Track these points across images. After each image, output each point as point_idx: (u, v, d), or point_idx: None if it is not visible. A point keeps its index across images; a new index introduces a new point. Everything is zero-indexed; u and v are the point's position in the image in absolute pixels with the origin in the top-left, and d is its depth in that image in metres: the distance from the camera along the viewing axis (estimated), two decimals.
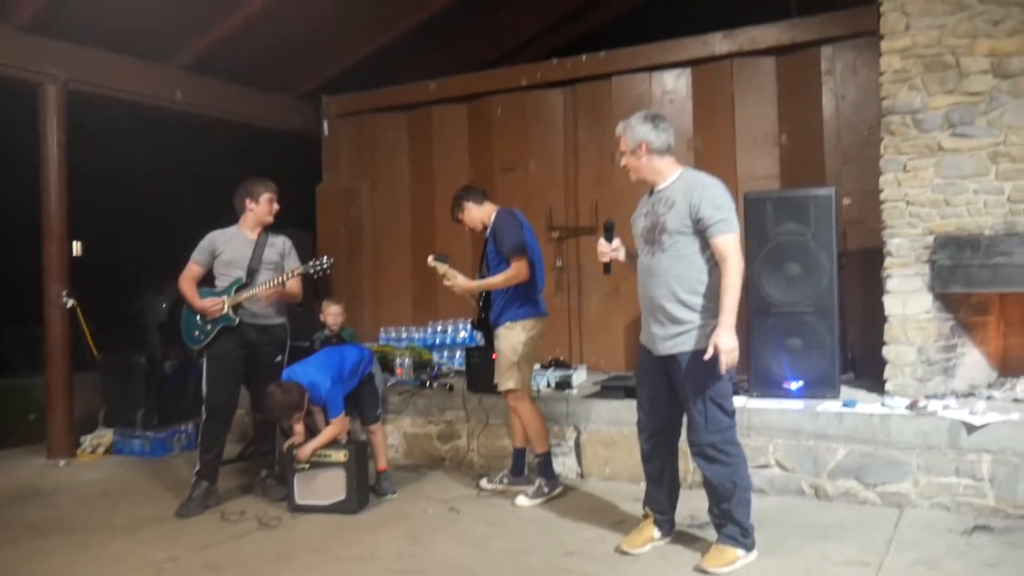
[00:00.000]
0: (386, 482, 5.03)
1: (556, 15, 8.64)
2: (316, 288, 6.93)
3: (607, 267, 3.89)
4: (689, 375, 3.59)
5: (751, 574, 3.60)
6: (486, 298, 4.91)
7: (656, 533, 3.92)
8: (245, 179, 5.06)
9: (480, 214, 4.93)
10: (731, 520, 3.64)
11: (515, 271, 4.69)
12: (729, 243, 3.52)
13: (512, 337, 4.74)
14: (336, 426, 4.72)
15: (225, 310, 4.80)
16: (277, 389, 4.56)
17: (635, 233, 3.80)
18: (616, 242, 3.84)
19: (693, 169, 3.82)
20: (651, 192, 3.80)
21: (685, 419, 3.79)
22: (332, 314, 6.08)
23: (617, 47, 6.83)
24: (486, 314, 4.92)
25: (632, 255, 3.86)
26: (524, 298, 4.79)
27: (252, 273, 4.88)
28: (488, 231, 4.90)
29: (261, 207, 4.96)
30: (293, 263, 5.04)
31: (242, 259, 4.90)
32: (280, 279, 4.81)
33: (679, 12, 7.90)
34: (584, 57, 6.95)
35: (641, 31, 7.15)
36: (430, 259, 4.87)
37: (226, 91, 7.49)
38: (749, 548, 3.66)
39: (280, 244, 5.04)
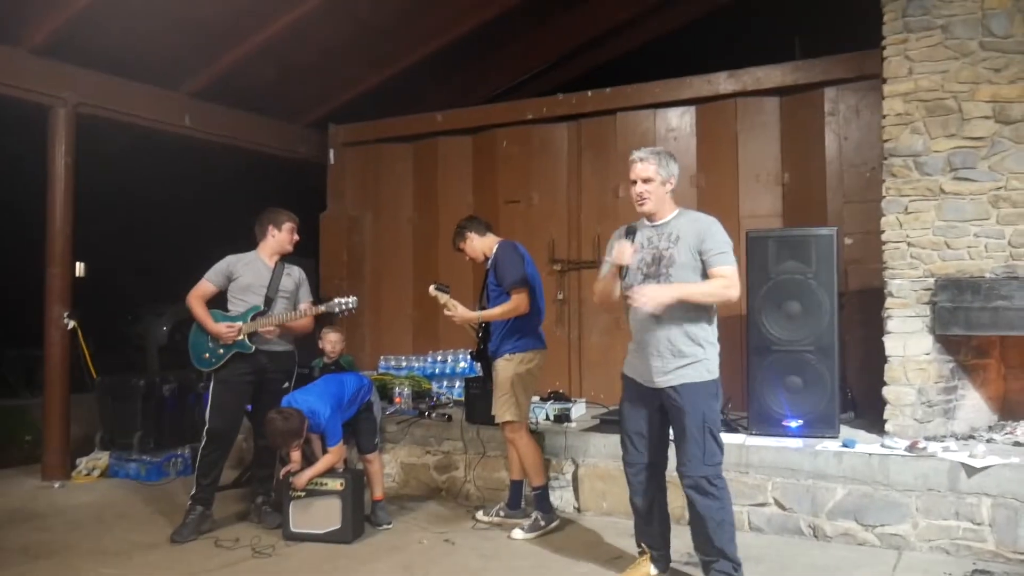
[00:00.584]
0: (381, 512, 5.00)
1: (563, 51, 8.75)
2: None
3: (624, 270, 3.74)
4: (690, 408, 3.60)
5: None
6: (485, 329, 4.92)
7: (652, 570, 3.89)
8: (269, 207, 5.11)
9: (482, 245, 4.96)
10: (723, 556, 3.64)
11: (515, 303, 4.70)
12: (732, 274, 3.60)
13: (511, 369, 4.74)
14: (334, 455, 4.70)
15: (241, 336, 4.80)
16: (278, 416, 4.55)
17: (627, 265, 3.71)
18: (637, 250, 3.76)
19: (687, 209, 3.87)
20: (646, 224, 3.78)
21: (673, 452, 3.78)
22: (331, 341, 6.05)
23: (623, 84, 6.90)
24: (485, 345, 4.93)
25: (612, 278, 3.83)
26: (524, 330, 4.79)
27: (269, 301, 4.90)
28: (489, 262, 4.92)
29: (283, 235, 5.00)
30: (306, 294, 5.07)
31: (260, 286, 4.92)
32: (297, 314, 4.83)
33: (685, 51, 8.00)
34: (590, 93, 7.02)
35: (647, 69, 7.23)
36: (431, 288, 4.88)
37: (234, 118, 7.56)
38: None
39: (296, 274, 5.08)
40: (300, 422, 4.54)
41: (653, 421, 3.77)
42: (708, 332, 3.68)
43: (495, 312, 4.76)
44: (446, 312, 4.81)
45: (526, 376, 4.76)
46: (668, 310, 3.60)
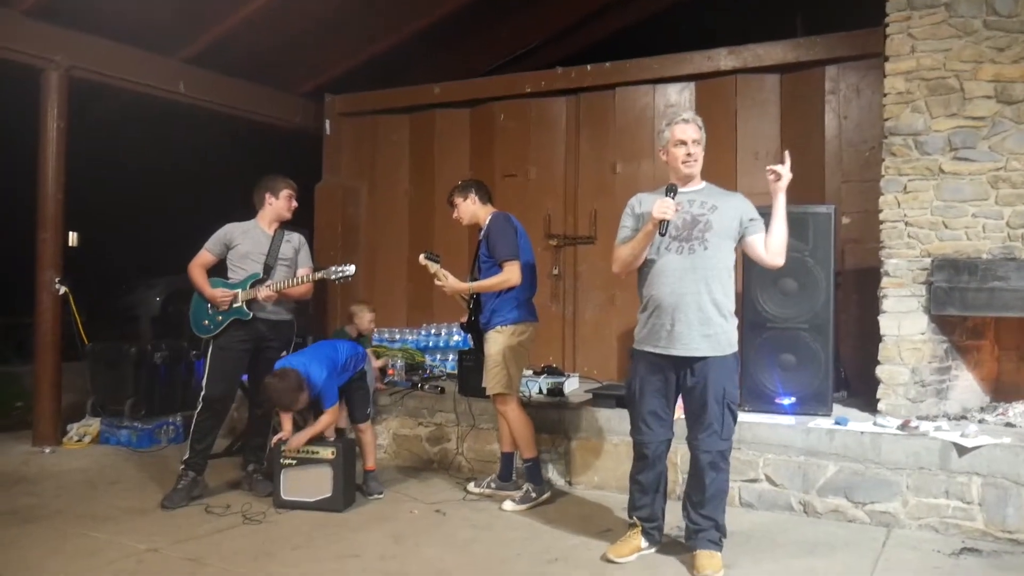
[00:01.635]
0: (373, 482, 5.01)
1: (563, 24, 8.67)
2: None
3: (664, 225, 3.59)
4: (713, 381, 3.61)
5: None
6: (476, 300, 4.90)
7: (644, 543, 3.90)
8: (266, 175, 5.08)
9: (476, 212, 4.92)
10: (715, 525, 3.72)
11: (507, 275, 4.68)
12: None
13: (501, 341, 4.72)
14: (330, 415, 4.69)
15: (239, 303, 4.78)
16: (273, 378, 4.54)
17: (663, 233, 3.62)
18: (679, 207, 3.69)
19: None
20: (669, 188, 3.71)
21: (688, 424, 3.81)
22: (368, 320, 6.10)
23: (622, 59, 6.84)
24: (476, 316, 4.90)
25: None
26: (515, 302, 4.77)
27: (268, 269, 4.88)
28: (482, 233, 4.89)
29: (280, 203, 4.97)
30: (305, 259, 5.05)
31: (258, 254, 4.90)
32: (296, 280, 4.81)
33: (685, 27, 7.93)
34: (589, 67, 6.95)
35: (647, 44, 7.17)
36: (422, 257, 4.85)
37: (229, 85, 7.47)
38: (722, 549, 3.75)
39: (296, 240, 5.06)
40: (298, 379, 4.53)
41: (669, 396, 3.76)
42: (732, 303, 3.70)
43: (486, 283, 4.74)
44: (436, 282, 4.79)
45: (517, 348, 4.75)
46: (697, 277, 3.62)
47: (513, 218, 4.94)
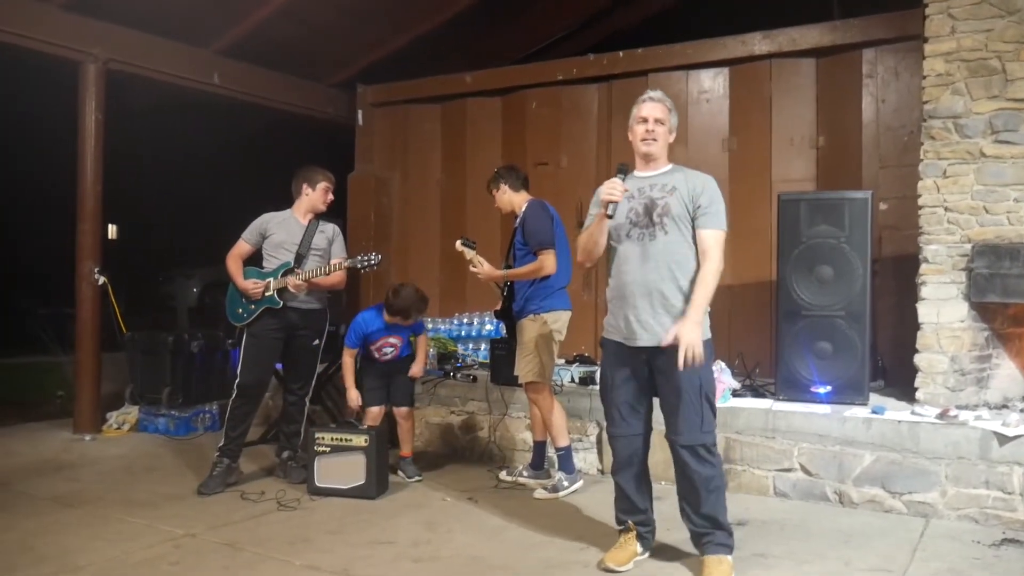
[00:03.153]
0: (409, 467, 5.07)
1: (594, 10, 8.60)
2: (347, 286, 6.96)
3: (615, 208, 3.44)
4: (686, 371, 3.34)
5: None
6: (510, 288, 4.89)
7: (639, 548, 3.71)
8: (305, 165, 5.12)
9: (513, 199, 4.93)
10: (719, 526, 3.49)
11: (541, 264, 4.67)
12: (717, 237, 3.44)
13: (534, 329, 4.71)
14: (425, 339, 5.38)
15: (270, 292, 4.84)
16: (403, 288, 5.02)
17: (609, 214, 3.45)
18: (627, 188, 3.52)
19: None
20: (637, 175, 3.62)
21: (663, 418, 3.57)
22: None
23: (654, 44, 6.77)
24: (509, 304, 4.90)
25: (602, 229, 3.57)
26: (548, 291, 4.75)
27: (300, 259, 4.93)
28: (518, 220, 4.88)
29: (316, 194, 5.01)
30: (339, 250, 5.09)
31: (292, 243, 4.95)
32: (326, 269, 4.85)
33: (719, 11, 7.83)
34: (621, 53, 6.89)
35: (680, 29, 7.09)
36: (458, 243, 4.84)
37: (263, 77, 7.54)
38: (732, 550, 3.54)
39: (330, 231, 5.10)
40: (421, 293, 5.09)
41: (642, 387, 3.58)
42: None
43: (521, 271, 4.73)
44: (471, 268, 4.79)
45: (550, 337, 4.74)
46: (658, 263, 3.44)
47: (549, 206, 4.92)
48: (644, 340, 3.46)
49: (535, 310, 4.74)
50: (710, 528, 3.50)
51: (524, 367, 4.73)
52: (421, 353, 5.24)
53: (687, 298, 3.43)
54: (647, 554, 3.75)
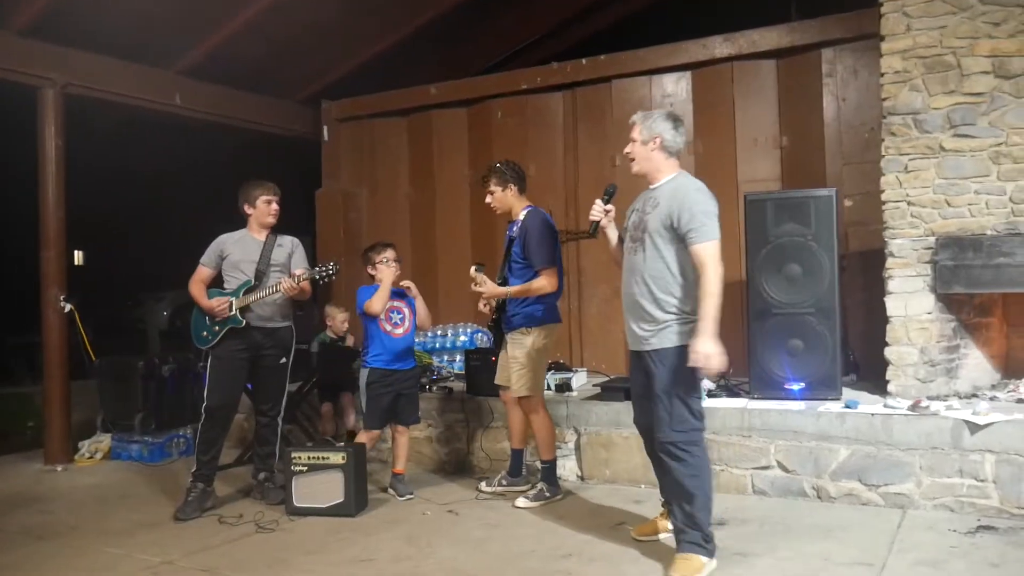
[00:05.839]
0: (401, 484, 5.00)
1: (557, 20, 8.65)
2: (316, 296, 6.94)
3: (594, 227, 3.88)
4: (659, 371, 3.60)
5: (751, 574, 3.56)
6: (501, 300, 4.83)
7: (669, 525, 3.83)
8: (244, 183, 5.05)
9: (515, 204, 4.84)
10: (694, 526, 3.56)
11: (544, 282, 4.63)
12: (706, 251, 3.51)
13: (527, 343, 4.69)
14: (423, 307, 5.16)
15: (232, 311, 4.79)
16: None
17: (626, 227, 3.84)
18: (611, 208, 3.88)
19: (687, 175, 3.79)
20: (648, 188, 3.82)
21: None
22: (340, 321, 6.20)
23: (617, 51, 6.82)
24: (500, 315, 4.87)
25: (621, 239, 3.92)
26: (543, 305, 4.73)
27: (260, 275, 4.88)
28: (517, 228, 4.80)
29: (259, 210, 4.95)
30: (300, 261, 5.03)
31: (250, 261, 4.90)
32: (284, 285, 4.78)
33: (679, 16, 7.90)
34: (584, 60, 6.93)
35: (642, 35, 7.14)
36: (472, 270, 4.80)
37: (226, 96, 7.48)
38: (712, 555, 3.58)
39: (288, 244, 5.04)
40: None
41: (646, 384, 3.76)
42: (680, 299, 3.60)
43: (522, 289, 4.67)
44: (473, 286, 4.75)
45: (542, 350, 4.73)
46: (637, 278, 3.66)
47: (549, 217, 4.86)
48: (633, 345, 3.78)
49: (529, 324, 4.71)
50: (684, 526, 3.60)
51: (517, 381, 4.70)
52: (421, 305, 5.11)
53: (667, 308, 3.62)
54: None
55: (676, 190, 3.65)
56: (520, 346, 4.70)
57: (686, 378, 3.57)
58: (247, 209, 4.97)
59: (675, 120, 3.75)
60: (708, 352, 3.42)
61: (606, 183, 6.57)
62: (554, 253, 4.71)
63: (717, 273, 3.49)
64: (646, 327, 3.66)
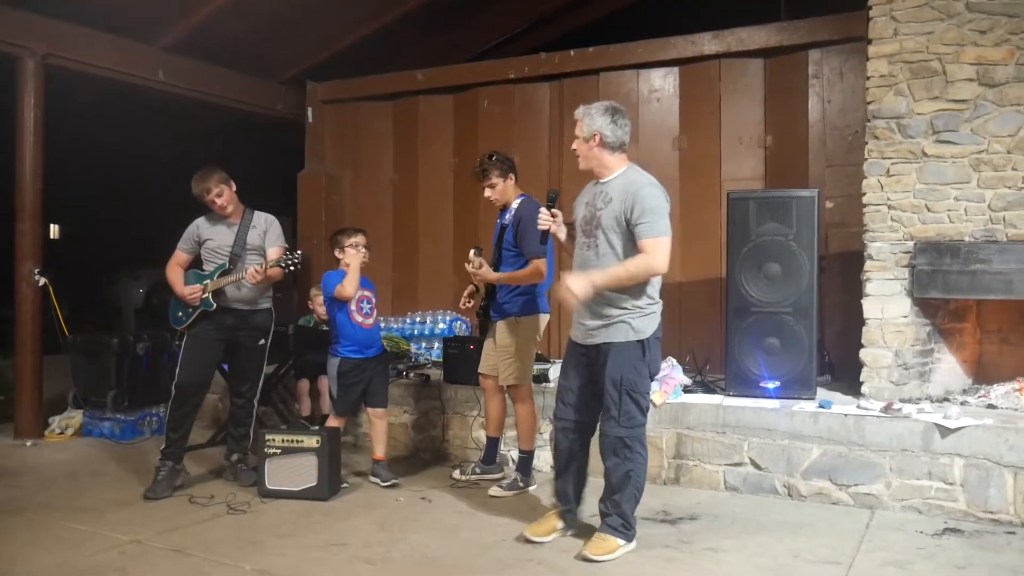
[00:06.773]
0: (383, 471, 4.96)
1: (546, 10, 8.62)
2: (296, 277, 6.89)
3: (544, 236, 3.94)
4: (609, 367, 3.62)
5: (721, 569, 3.59)
6: (490, 288, 4.83)
7: (559, 524, 3.94)
8: (194, 176, 4.88)
9: (511, 194, 4.83)
10: (617, 512, 3.69)
11: (534, 270, 4.61)
12: (653, 245, 3.54)
13: (517, 332, 4.69)
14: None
15: (205, 295, 4.77)
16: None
17: (575, 220, 3.82)
18: (557, 212, 3.91)
19: (638, 168, 3.78)
20: (596, 182, 3.81)
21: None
22: (321, 303, 6.11)
23: (606, 44, 6.81)
24: (488, 303, 4.85)
25: (571, 236, 3.92)
26: (533, 294, 4.73)
27: (234, 259, 4.84)
28: (508, 217, 4.78)
29: (213, 202, 4.84)
30: (274, 240, 4.97)
31: (225, 246, 4.87)
32: (249, 273, 4.72)
33: (669, 11, 7.90)
34: (572, 52, 6.93)
35: (631, 29, 7.13)
36: (471, 252, 4.78)
37: (210, 73, 7.40)
38: (630, 539, 3.72)
39: (262, 223, 4.97)
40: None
41: (583, 380, 3.80)
42: (632, 295, 3.62)
43: (515, 276, 4.67)
44: (467, 266, 4.73)
45: (530, 340, 4.73)
46: (588, 272, 3.63)
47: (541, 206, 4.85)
48: (582, 339, 3.78)
49: (517, 313, 4.70)
50: (609, 510, 3.69)
51: (506, 369, 4.70)
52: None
53: (619, 304, 3.63)
54: (570, 532, 3.96)
55: (628, 185, 3.64)
56: (508, 335, 4.70)
57: (637, 373, 3.62)
58: (207, 200, 4.86)
59: (615, 112, 3.70)
60: (573, 287, 3.48)
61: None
62: (547, 244, 4.70)
63: (652, 267, 3.54)
64: (597, 321, 3.67)
